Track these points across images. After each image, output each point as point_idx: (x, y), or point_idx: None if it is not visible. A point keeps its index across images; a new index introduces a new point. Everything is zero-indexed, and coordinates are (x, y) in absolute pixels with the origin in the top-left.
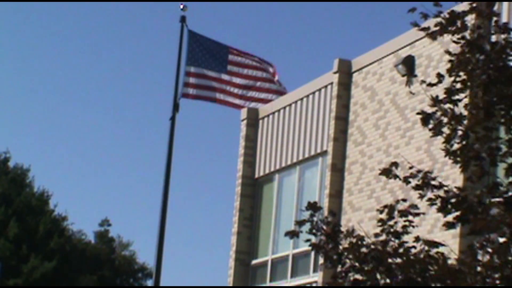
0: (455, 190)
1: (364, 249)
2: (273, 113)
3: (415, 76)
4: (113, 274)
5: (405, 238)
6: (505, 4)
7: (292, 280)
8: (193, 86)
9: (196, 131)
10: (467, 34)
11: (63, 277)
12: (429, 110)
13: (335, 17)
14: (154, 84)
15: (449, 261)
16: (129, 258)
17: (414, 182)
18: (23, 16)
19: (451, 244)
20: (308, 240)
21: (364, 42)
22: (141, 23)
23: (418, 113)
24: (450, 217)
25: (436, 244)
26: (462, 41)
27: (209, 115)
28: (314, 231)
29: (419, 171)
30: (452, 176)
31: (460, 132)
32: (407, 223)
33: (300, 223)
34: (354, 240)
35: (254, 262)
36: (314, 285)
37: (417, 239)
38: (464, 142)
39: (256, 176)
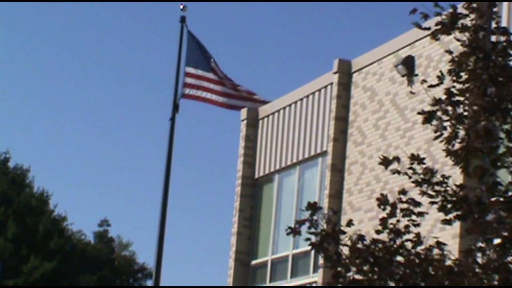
0: (454, 188)
1: (364, 249)
2: (273, 113)
3: (416, 75)
4: (113, 274)
5: (405, 238)
6: (505, 4)
7: (292, 280)
8: (192, 87)
9: (196, 131)
10: (468, 34)
11: (63, 277)
12: (430, 110)
13: (335, 17)
14: (154, 85)
15: (448, 262)
16: (129, 258)
17: (414, 177)
18: (23, 16)
19: (451, 244)
20: (308, 239)
21: (364, 42)
22: (141, 24)
23: (419, 113)
24: (450, 215)
25: (439, 244)
26: (463, 41)
27: (209, 115)
28: (314, 230)
29: (422, 162)
30: (452, 177)
31: (461, 132)
32: (409, 222)
33: (300, 222)
34: (354, 239)
35: (254, 262)
36: (314, 285)
37: (417, 236)
38: (464, 142)
39: (256, 176)
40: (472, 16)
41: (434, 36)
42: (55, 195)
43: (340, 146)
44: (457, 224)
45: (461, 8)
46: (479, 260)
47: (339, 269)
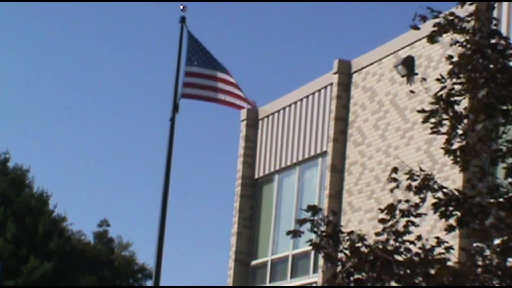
0: (454, 191)
1: (364, 249)
2: (273, 113)
3: (416, 74)
4: (113, 274)
5: (406, 238)
6: (505, 5)
7: (292, 281)
8: (193, 86)
9: (196, 131)
10: (467, 36)
11: (62, 277)
12: (429, 109)
13: (335, 18)
14: (154, 85)
15: (448, 262)
16: (128, 258)
17: (414, 184)
18: (23, 16)
19: (451, 244)
20: (309, 241)
21: (364, 42)
22: (141, 24)
23: (419, 111)
24: (450, 221)
25: (439, 243)
26: (462, 42)
27: (209, 115)
28: (315, 229)
29: (420, 170)
30: (452, 177)
31: (460, 132)
32: (408, 223)
33: (301, 222)
34: (355, 239)
35: (254, 262)
36: (313, 285)
37: (419, 238)
38: (464, 142)
39: (256, 176)
40: (471, 17)
41: (431, 39)
42: (55, 196)
43: (340, 147)
44: None
45: (459, 10)
46: (479, 262)
47: (339, 269)
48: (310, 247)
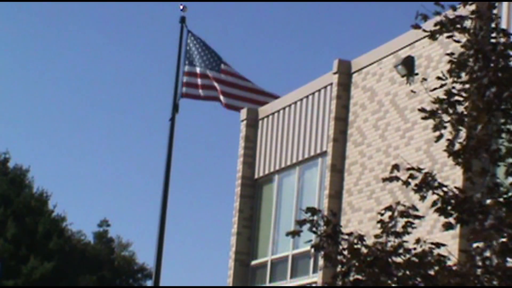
0: (455, 190)
1: (363, 249)
2: (273, 113)
3: (416, 74)
4: (113, 274)
5: (405, 238)
6: (505, 5)
7: (292, 281)
8: (192, 86)
9: (196, 131)
10: (467, 36)
11: (62, 277)
12: (430, 108)
13: (335, 17)
14: (154, 85)
15: (448, 262)
16: (128, 258)
17: (413, 182)
18: (23, 16)
19: (450, 244)
20: (309, 241)
21: (363, 42)
22: (141, 24)
23: (419, 110)
24: (450, 219)
25: (438, 245)
26: (463, 42)
27: (209, 115)
28: (314, 229)
29: (419, 169)
30: (452, 177)
31: (461, 133)
32: (407, 223)
33: (300, 222)
34: (354, 240)
35: (253, 262)
36: (313, 285)
37: (418, 241)
38: (465, 143)
39: (256, 176)
40: (472, 17)
41: (432, 36)
42: (55, 196)
43: (340, 147)
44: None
45: (460, 9)
46: (479, 262)
47: (338, 269)
48: (310, 247)
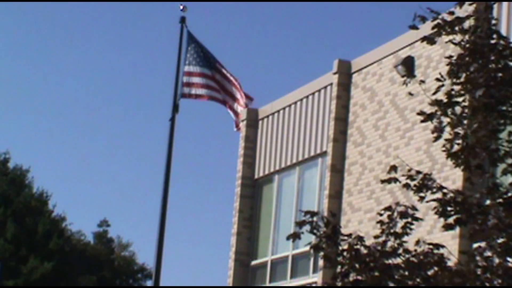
0: (454, 192)
1: (363, 249)
2: (273, 113)
3: (414, 76)
4: (113, 274)
5: (405, 238)
6: (505, 5)
7: (292, 281)
8: (192, 86)
9: (196, 131)
10: (466, 37)
11: (62, 277)
12: (429, 111)
13: (335, 18)
14: (154, 85)
15: (449, 263)
16: (128, 258)
17: (413, 183)
18: (23, 16)
19: (450, 245)
20: (309, 244)
21: (363, 42)
22: (141, 24)
23: (418, 113)
24: (449, 219)
25: (437, 246)
26: (462, 43)
27: (209, 115)
28: (314, 231)
29: (418, 172)
30: (451, 177)
31: (460, 133)
32: (407, 224)
33: (299, 224)
34: (354, 241)
35: (253, 262)
36: (313, 285)
37: (417, 242)
38: (464, 144)
39: (256, 176)
40: (470, 17)
41: (430, 40)
42: (55, 196)
43: (340, 147)
44: None
45: (458, 10)
46: (480, 263)
47: (338, 270)
48: (310, 248)
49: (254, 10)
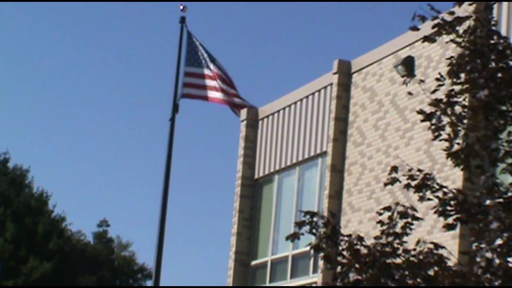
0: (454, 191)
1: (363, 249)
2: (273, 113)
3: (414, 76)
4: (113, 274)
5: (406, 238)
6: (505, 4)
7: (292, 281)
8: (192, 86)
9: (195, 131)
10: (466, 37)
11: (62, 277)
12: (429, 110)
13: (335, 18)
14: (154, 85)
15: (449, 263)
16: (128, 258)
17: (413, 183)
18: (23, 16)
19: (450, 245)
20: (309, 244)
21: (364, 42)
22: (141, 24)
23: (418, 112)
24: (450, 219)
25: (437, 247)
26: (462, 43)
27: (209, 115)
28: (314, 231)
29: (419, 171)
30: (451, 177)
31: (460, 133)
32: (407, 224)
33: (299, 224)
34: (354, 241)
35: (253, 263)
36: (313, 285)
37: (418, 242)
38: (464, 143)
39: (256, 176)
40: (468, 16)
41: (430, 40)
42: (55, 196)
43: (340, 147)
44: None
45: (458, 10)
46: (481, 263)
47: (338, 270)
48: (310, 248)
49: (254, 10)
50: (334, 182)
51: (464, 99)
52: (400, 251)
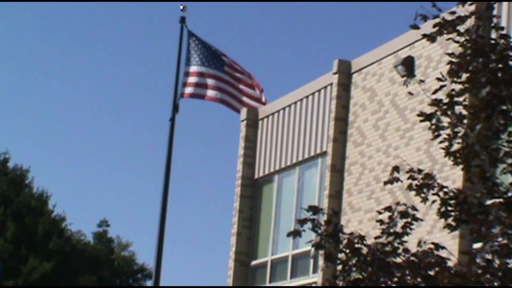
0: (455, 191)
1: (363, 248)
2: (273, 113)
3: (414, 76)
4: (113, 274)
5: (406, 238)
6: (505, 4)
7: (292, 281)
8: (192, 85)
9: (196, 131)
10: (467, 36)
11: (62, 277)
12: (429, 110)
13: (335, 18)
14: (154, 85)
15: (449, 263)
16: (128, 258)
17: (414, 183)
18: (23, 16)
19: (450, 245)
20: (310, 241)
21: (364, 42)
22: (141, 24)
23: (418, 115)
24: (449, 219)
25: (437, 247)
26: (463, 42)
27: (209, 115)
28: (316, 229)
29: (420, 170)
30: (451, 177)
31: (460, 133)
32: (407, 224)
33: (301, 221)
34: (353, 238)
35: (253, 263)
36: (313, 285)
37: (419, 243)
38: (464, 143)
39: (256, 176)
40: (472, 17)
41: (431, 38)
42: (55, 196)
43: (340, 147)
44: None
45: (459, 9)
46: (482, 263)
47: (339, 269)
48: (310, 247)
49: (254, 10)
50: (334, 182)
51: (464, 99)
52: (400, 251)
